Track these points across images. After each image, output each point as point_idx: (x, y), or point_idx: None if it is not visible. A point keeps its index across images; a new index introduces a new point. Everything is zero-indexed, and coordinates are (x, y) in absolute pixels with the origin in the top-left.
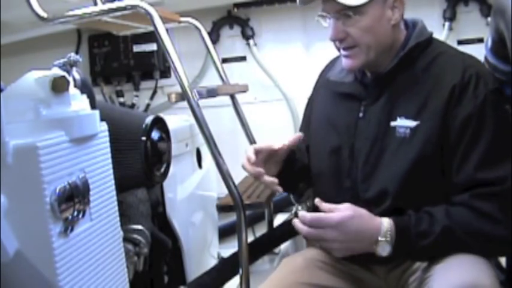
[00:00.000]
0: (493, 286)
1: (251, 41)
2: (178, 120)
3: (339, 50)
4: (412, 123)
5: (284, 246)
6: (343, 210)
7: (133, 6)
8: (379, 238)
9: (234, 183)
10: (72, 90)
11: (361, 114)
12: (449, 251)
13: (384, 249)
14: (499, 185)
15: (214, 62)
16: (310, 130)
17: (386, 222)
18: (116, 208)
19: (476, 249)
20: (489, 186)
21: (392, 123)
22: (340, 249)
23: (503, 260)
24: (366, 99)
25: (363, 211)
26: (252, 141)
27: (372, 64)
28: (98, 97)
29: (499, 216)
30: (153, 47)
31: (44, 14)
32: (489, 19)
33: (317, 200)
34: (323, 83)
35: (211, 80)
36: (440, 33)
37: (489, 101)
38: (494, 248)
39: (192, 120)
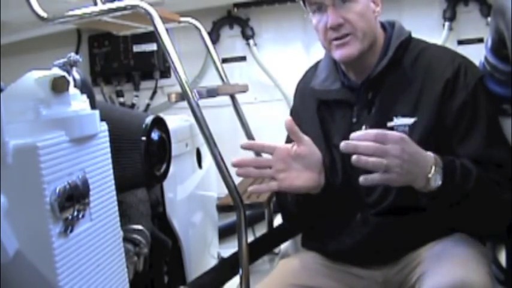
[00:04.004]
0: (485, 284)
1: (251, 41)
2: (178, 120)
3: (329, 43)
4: (409, 121)
5: (284, 246)
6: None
7: (133, 6)
8: (432, 167)
9: (234, 183)
10: (72, 90)
11: (354, 120)
12: (481, 199)
13: (435, 180)
14: (505, 165)
15: (214, 62)
16: None
17: (433, 155)
18: (116, 208)
19: (499, 201)
20: (497, 166)
21: (389, 124)
22: (401, 171)
23: (503, 260)
24: (357, 104)
25: None
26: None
27: (362, 59)
28: (98, 97)
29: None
30: (153, 47)
31: (44, 14)
32: (489, 19)
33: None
34: (308, 93)
35: (211, 80)
36: (440, 33)
37: (479, 88)
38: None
39: (192, 120)
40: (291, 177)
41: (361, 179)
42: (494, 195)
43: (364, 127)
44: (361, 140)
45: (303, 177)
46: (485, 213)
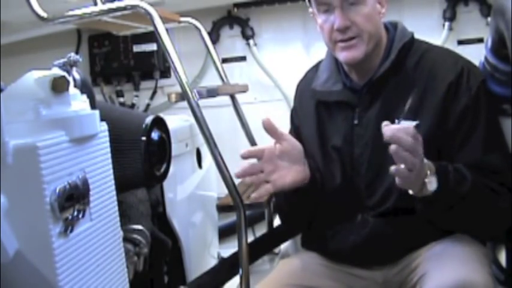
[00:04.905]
0: (486, 284)
1: (251, 41)
2: (178, 120)
3: (334, 44)
4: (411, 124)
5: (284, 246)
6: None
7: (133, 6)
8: (428, 171)
9: (234, 183)
10: (72, 90)
11: (356, 121)
12: (476, 205)
13: (431, 184)
14: (502, 172)
15: (214, 62)
16: (304, 143)
17: (426, 160)
18: (116, 208)
19: (495, 208)
20: (494, 173)
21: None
22: (417, 173)
23: (503, 260)
24: (358, 106)
25: None
26: (252, 141)
27: (366, 60)
28: (98, 97)
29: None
30: (153, 47)
31: (44, 14)
32: (489, 19)
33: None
34: (307, 94)
35: (211, 80)
36: (440, 33)
37: (482, 91)
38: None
39: (192, 120)
40: (282, 176)
41: (393, 168)
42: (490, 202)
43: (397, 121)
44: (402, 133)
45: (292, 172)
46: (481, 220)
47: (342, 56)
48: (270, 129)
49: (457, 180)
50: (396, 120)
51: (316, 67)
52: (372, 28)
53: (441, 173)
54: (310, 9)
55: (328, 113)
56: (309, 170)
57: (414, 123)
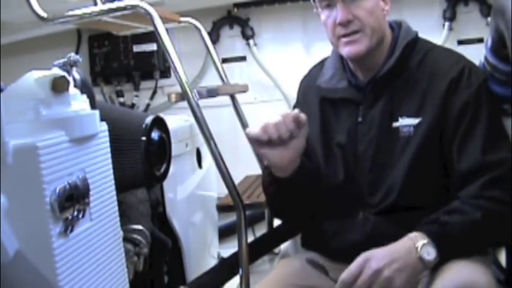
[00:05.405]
0: (489, 285)
1: (251, 41)
2: (178, 120)
3: (338, 39)
4: (414, 121)
5: (284, 246)
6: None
7: (133, 6)
8: (418, 244)
9: (234, 183)
10: (72, 90)
11: (360, 119)
12: (482, 238)
13: (428, 253)
14: (503, 166)
15: (214, 62)
16: (307, 139)
17: (412, 234)
18: (116, 208)
19: (500, 232)
20: (495, 169)
21: (395, 124)
22: (399, 273)
23: (503, 260)
24: (363, 103)
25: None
26: None
27: (369, 56)
28: (98, 97)
29: (509, 200)
30: (153, 47)
31: (44, 14)
32: (489, 19)
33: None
34: (311, 90)
35: (211, 80)
36: (440, 33)
37: (482, 89)
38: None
39: (192, 120)
40: (271, 149)
41: None
42: (498, 216)
43: (400, 118)
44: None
45: (281, 154)
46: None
47: (345, 51)
48: (298, 119)
49: (455, 224)
50: (400, 118)
51: (321, 64)
52: (375, 23)
53: (433, 231)
54: (315, 10)
55: (333, 110)
56: (296, 168)
57: (417, 121)
